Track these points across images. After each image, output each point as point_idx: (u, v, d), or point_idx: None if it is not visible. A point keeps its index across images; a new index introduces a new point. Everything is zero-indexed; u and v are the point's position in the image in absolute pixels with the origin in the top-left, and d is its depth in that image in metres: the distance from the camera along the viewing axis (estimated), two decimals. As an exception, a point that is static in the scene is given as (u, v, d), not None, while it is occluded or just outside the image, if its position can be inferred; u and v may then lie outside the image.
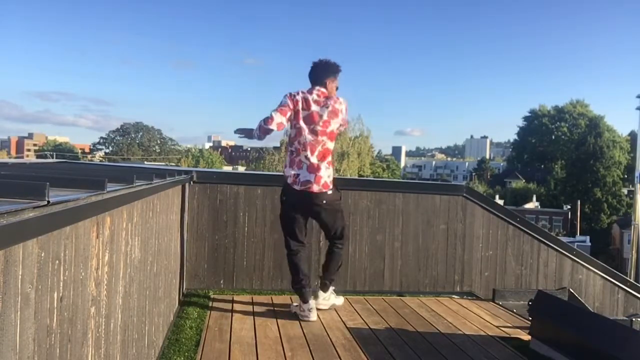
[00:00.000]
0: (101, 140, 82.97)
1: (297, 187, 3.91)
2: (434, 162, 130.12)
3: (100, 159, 66.59)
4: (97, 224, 1.65)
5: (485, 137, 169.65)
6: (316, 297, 4.14)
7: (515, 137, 73.57)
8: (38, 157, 59.11)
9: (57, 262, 1.30)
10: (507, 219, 5.44)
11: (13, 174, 2.38)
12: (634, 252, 21.14)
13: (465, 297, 5.12)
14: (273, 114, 3.81)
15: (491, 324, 4.17)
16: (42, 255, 1.21)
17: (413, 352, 3.35)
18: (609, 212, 51.04)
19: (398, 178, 61.83)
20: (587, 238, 37.85)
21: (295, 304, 4.11)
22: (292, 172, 3.92)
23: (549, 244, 5.55)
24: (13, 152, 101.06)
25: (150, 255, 2.75)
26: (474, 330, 3.96)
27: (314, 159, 3.89)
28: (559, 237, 6.36)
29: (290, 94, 3.91)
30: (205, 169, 10.73)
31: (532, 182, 61.16)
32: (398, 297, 4.91)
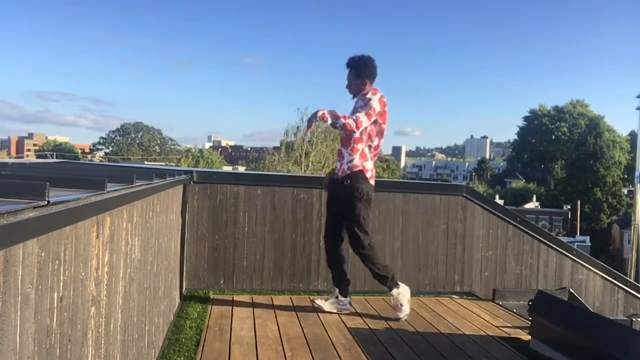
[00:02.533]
0: (101, 140, 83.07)
1: (373, 183, 4.04)
2: (434, 162, 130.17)
3: (100, 159, 66.59)
4: (97, 224, 1.65)
5: (485, 137, 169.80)
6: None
7: (515, 137, 73.55)
8: (38, 157, 59.05)
9: (57, 262, 1.30)
10: (507, 219, 5.44)
11: (13, 174, 2.38)
12: (634, 252, 21.15)
13: (465, 297, 5.12)
14: (362, 118, 3.84)
15: (491, 324, 4.17)
16: (42, 255, 1.21)
17: (413, 352, 3.35)
18: (609, 212, 51.03)
19: (398, 178, 61.77)
20: (587, 238, 37.83)
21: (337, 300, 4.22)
22: (372, 168, 4.01)
23: (549, 244, 5.55)
24: (13, 152, 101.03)
25: (150, 255, 2.75)
26: (474, 330, 3.96)
27: None
28: (559, 237, 6.35)
29: (381, 94, 3.95)
30: (205, 169, 10.72)
31: (532, 182, 61.13)
32: (398, 297, 4.90)
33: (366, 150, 3.95)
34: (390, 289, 4.08)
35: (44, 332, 1.24)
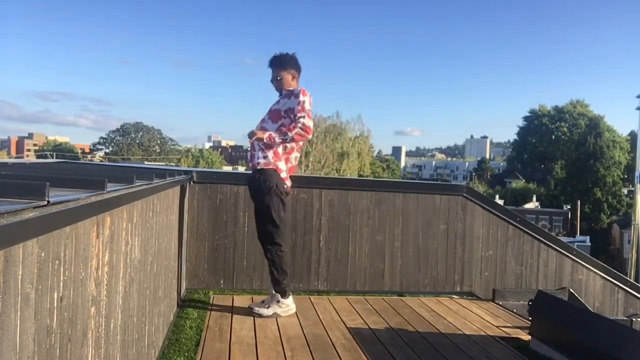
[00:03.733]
0: (101, 140, 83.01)
1: (288, 184, 3.94)
2: (434, 162, 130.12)
3: (100, 159, 66.57)
4: (97, 224, 1.65)
5: (485, 137, 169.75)
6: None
7: (515, 137, 73.49)
8: (38, 157, 59.08)
9: (57, 262, 1.30)
10: (507, 219, 5.44)
11: (13, 174, 2.38)
12: (634, 252, 21.16)
13: (465, 297, 5.12)
14: (307, 122, 3.77)
15: (491, 324, 4.17)
16: (42, 255, 1.21)
17: (413, 352, 3.35)
18: (609, 212, 51.05)
19: (398, 178, 61.79)
20: (587, 238, 37.84)
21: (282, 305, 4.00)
22: (286, 168, 3.92)
23: (549, 244, 5.55)
24: (13, 152, 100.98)
25: (150, 255, 2.75)
26: (474, 330, 3.96)
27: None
28: (559, 237, 6.35)
29: (309, 94, 3.87)
30: (205, 169, 10.72)
31: (532, 182, 61.14)
32: (398, 297, 4.91)
33: (280, 149, 3.87)
34: (276, 292, 3.95)
35: (44, 332, 1.24)
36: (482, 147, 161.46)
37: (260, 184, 3.84)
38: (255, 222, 4.02)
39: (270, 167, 3.85)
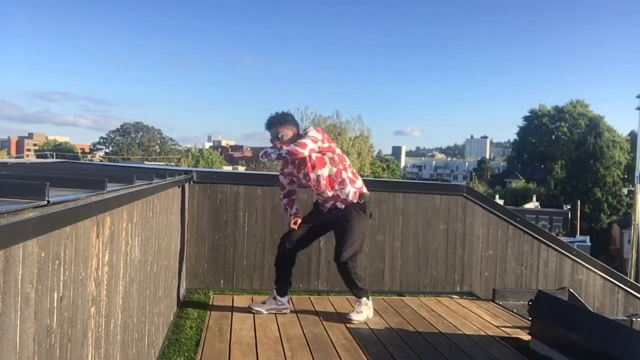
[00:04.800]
0: (101, 140, 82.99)
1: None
2: (434, 162, 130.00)
3: (100, 159, 66.56)
4: (97, 224, 1.65)
5: (485, 137, 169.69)
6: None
7: (515, 137, 73.49)
8: (38, 157, 59.05)
9: (57, 262, 1.30)
10: (507, 219, 5.44)
11: (13, 174, 2.38)
12: (634, 252, 21.16)
13: (465, 297, 5.12)
14: (306, 141, 3.78)
15: (491, 324, 4.17)
16: (42, 255, 1.21)
17: (413, 352, 3.35)
18: (609, 212, 51.04)
19: (398, 178, 61.78)
20: (587, 238, 37.82)
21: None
22: (362, 184, 4.02)
23: (549, 244, 5.55)
24: (13, 152, 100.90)
25: (150, 255, 2.75)
26: (474, 330, 3.96)
27: None
28: (559, 237, 6.35)
29: (316, 129, 3.93)
30: (205, 169, 10.73)
31: (532, 182, 61.13)
32: (398, 297, 4.91)
33: (349, 174, 3.95)
34: (360, 297, 4.07)
35: (44, 332, 1.24)
36: (482, 147, 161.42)
37: (364, 208, 3.95)
38: (344, 243, 3.94)
39: (358, 193, 3.94)
